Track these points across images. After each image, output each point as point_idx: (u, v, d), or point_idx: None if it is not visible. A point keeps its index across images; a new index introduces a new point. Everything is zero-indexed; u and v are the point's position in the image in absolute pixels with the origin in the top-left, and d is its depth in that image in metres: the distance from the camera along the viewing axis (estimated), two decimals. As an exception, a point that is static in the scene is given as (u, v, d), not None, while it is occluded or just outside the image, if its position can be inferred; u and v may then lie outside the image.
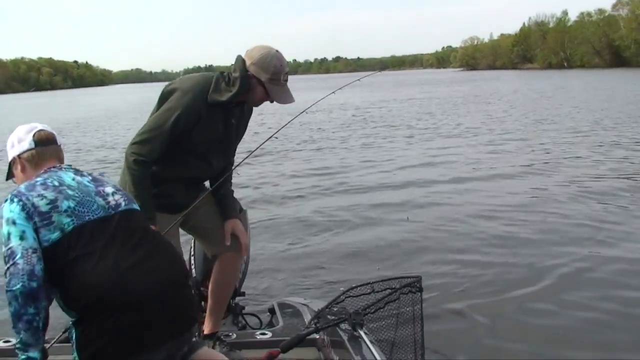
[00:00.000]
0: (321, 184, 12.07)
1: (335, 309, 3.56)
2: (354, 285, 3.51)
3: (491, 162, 14.21)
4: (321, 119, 27.19)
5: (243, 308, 4.36)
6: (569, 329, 5.13)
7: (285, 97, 3.18)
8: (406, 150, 16.76)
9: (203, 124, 3.15)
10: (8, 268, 2.25)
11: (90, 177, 2.57)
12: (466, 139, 18.77)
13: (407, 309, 3.39)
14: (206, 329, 3.65)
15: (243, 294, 4.47)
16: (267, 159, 15.38)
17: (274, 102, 3.23)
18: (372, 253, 7.41)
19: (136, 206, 2.60)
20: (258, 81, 3.11)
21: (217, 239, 3.45)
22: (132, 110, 42.38)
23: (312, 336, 3.41)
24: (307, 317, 3.89)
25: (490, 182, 11.75)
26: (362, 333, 3.16)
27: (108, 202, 2.48)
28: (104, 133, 26.77)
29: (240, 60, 3.15)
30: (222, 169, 3.45)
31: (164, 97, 3.18)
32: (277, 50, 3.17)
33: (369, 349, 3.05)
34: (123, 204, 2.52)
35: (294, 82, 3.39)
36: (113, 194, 2.53)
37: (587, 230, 8.03)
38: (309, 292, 5.55)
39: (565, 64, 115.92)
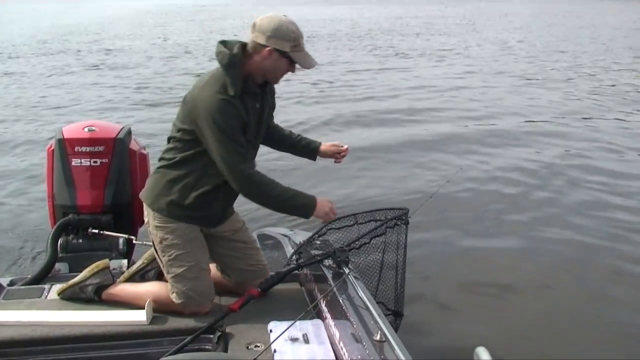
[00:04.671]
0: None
1: (317, 243, 3.41)
2: (336, 217, 3.29)
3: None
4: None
5: None
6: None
7: (310, 61, 2.91)
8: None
9: (245, 122, 2.89)
10: None
11: None
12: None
13: (392, 243, 3.28)
14: None
15: None
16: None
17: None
18: (360, 186, 7.24)
19: None
20: (281, 53, 2.82)
21: (240, 270, 3.23)
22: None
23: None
24: (289, 250, 3.75)
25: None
26: (346, 270, 2.99)
27: None
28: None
29: (254, 45, 2.82)
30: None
31: (190, 109, 2.84)
32: (284, 15, 2.90)
33: (354, 286, 2.93)
34: None
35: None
36: None
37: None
38: (291, 222, 5.33)
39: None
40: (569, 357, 3.96)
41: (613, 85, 15.04)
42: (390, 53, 21.82)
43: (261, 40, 2.80)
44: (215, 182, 2.96)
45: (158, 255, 3.05)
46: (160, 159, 3.04)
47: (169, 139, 3.01)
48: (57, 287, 3.28)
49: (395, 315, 3.27)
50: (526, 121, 10.98)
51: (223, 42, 2.89)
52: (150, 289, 3.09)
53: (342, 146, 3.35)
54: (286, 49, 2.82)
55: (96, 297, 3.13)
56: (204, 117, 2.76)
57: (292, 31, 2.83)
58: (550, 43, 24.22)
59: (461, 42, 25.51)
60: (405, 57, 20.51)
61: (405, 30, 31.96)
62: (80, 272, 3.60)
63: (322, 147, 3.35)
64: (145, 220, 3.07)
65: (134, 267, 3.28)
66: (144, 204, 3.08)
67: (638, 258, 5.46)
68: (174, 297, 2.96)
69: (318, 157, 3.38)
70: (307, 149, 3.35)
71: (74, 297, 3.14)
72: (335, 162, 3.40)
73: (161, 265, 3.05)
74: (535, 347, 4.06)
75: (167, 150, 2.99)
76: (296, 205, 2.93)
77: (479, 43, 25.17)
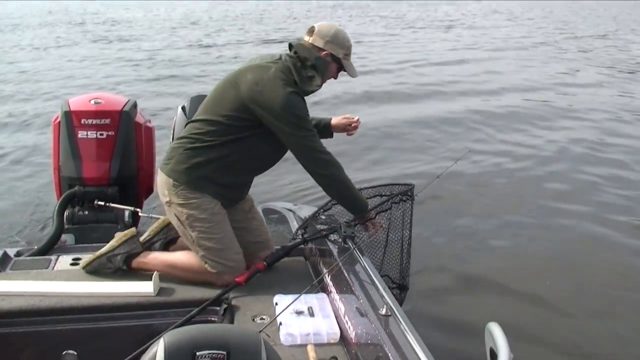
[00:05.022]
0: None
1: (323, 217, 3.41)
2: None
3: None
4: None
5: None
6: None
7: (355, 71, 3.21)
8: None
9: None
10: None
11: None
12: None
13: (398, 218, 3.28)
14: None
15: None
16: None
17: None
18: (367, 157, 7.21)
19: None
20: (333, 58, 3.10)
21: (247, 243, 3.26)
22: None
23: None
24: (294, 225, 3.74)
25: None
26: (352, 245, 3.00)
27: None
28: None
29: (311, 47, 3.07)
30: None
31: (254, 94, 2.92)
32: (339, 26, 3.21)
33: (359, 260, 2.92)
34: None
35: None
36: None
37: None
38: (295, 196, 5.34)
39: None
40: (580, 334, 3.97)
41: (622, 58, 15.05)
42: (399, 24, 21.69)
43: (319, 43, 3.06)
44: (253, 166, 3.12)
45: (185, 233, 3.05)
46: (192, 138, 3.01)
47: (204, 121, 3.01)
48: (64, 257, 3.30)
49: (400, 289, 3.28)
50: (536, 96, 10.98)
51: (297, 45, 3.08)
52: (181, 257, 3.10)
53: (353, 118, 3.40)
54: (339, 55, 3.10)
55: (125, 266, 3.11)
56: (281, 109, 2.88)
57: (347, 40, 3.13)
58: (558, 15, 23.99)
59: (467, 13, 25.31)
60: (413, 28, 20.40)
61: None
62: (86, 243, 3.65)
63: (334, 122, 3.41)
64: (166, 199, 3.05)
65: (140, 239, 3.28)
66: (161, 185, 3.07)
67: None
68: (208, 267, 2.99)
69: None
70: (319, 128, 3.38)
71: (101, 269, 3.10)
72: (347, 134, 3.45)
73: (189, 242, 3.06)
74: (544, 321, 4.08)
75: (205, 133, 2.98)
76: (356, 197, 3.10)
77: (486, 13, 24.98)
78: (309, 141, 2.96)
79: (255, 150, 3.04)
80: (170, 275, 3.06)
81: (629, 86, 11.68)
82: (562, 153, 7.70)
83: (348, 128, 3.40)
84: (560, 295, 4.42)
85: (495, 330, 1.77)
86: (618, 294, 4.47)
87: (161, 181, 3.06)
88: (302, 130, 2.94)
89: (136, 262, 3.13)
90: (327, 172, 3.00)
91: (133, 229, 3.22)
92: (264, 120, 2.92)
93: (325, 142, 3.15)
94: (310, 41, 3.07)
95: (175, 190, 2.99)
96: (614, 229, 5.49)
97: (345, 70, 3.17)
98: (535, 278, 4.64)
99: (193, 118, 3.12)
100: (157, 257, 3.15)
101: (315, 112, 3.33)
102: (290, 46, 3.13)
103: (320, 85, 3.11)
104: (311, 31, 3.11)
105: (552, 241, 5.29)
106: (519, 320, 4.01)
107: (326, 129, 3.41)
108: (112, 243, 3.11)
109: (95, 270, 3.12)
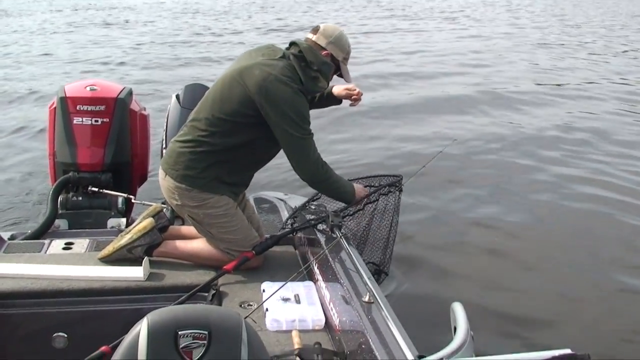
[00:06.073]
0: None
1: (313, 207, 3.46)
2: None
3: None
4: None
5: None
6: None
7: (350, 76, 3.29)
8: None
9: None
10: None
11: None
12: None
13: (386, 209, 3.32)
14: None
15: None
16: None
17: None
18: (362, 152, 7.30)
19: None
20: (332, 60, 3.17)
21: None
22: None
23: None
24: (284, 214, 3.80)
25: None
26: (339, 234, 3.05)
27: None
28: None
29: (313, 45, 3.12)
30: None
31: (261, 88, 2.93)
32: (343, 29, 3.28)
33: (346, 249, 2.98)
34: None
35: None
36: None
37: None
38: (286, 186, 5.38)
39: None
40: (543, 312, 4.09)
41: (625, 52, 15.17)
42: (398, 14, 21.74)
43: (322, 42, 3.12)
44: (259, 160, 3.22)
45: (203, 230, 3.12)
46: (198, 141, 3.03)
47: (208, 120, 3.02)
48: (57, 242, 3.35)
49: (378, 274, 3.33)
50: (525, 86, 11.13)
51: (304, 47, 3.08)
52: (203, 247, 3.16)
53: (354, 90, 3.44)
54: (339, 58, 3.17)
55: (145, 256, 3.10)
56: (285, 105, 2.92)
57: (348, 44, 3.21)
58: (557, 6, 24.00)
59: (468, 3, 25.37)
60: (413, 19, 20.44)
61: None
62: (79, 228, 3.69)
63: (335, 92, 3.44)
64: (177, 203, 3.09)
65: (122, 242, 3.15)
66: (169, 190, 3.09)
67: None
68: (233, 257, 3.05)
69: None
70: (323, 97, 3.46)
71: (120, 259, 3.09)
72: (350, 105, 3.51)
73: (207, 237, 3.13)
74: (513, 300, 4.21)
75: (211, 134, 3.01)
76: (346, 191, 3.19)
77: (485, 4, 25.01)
78: (305, 141, 3.00)
79: (262, 148, 3.12)
80: (193, 262, 3.14)
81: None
82: (541, 143, 7.85)
83: (350, 99, 3.46)
84: (529, 276, 4.60)
85: (458, 309, 1.86)
86: (581, 267, 4.69)
87: (170, 186, 3.08)
88: (301, 130, 2.97)
89: (158, 252, 3.17)
90: (322, 177, 3.09)
91: (151, 220, 3.18)
92: (265, 115, 2.95)
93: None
94: (313, 39, 3.13)
95: (189, 195, 3.04)
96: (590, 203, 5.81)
97: (341, 75, 3.23)
98: (509, 260, 4.85)
99: (194, 116, 3.11)
100: (179, 247, 3.20)
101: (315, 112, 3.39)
102: (292, 44, 3.15)
103: (325, 88, 3.20)
104: (316, 30, 3.17)
105: (525, 227, 5.44)
106: (490, 300, 4.18)
107: (330, 97, 3.47)
108: (131, 235, 3.12)
109: (115, 260, 3.11)
